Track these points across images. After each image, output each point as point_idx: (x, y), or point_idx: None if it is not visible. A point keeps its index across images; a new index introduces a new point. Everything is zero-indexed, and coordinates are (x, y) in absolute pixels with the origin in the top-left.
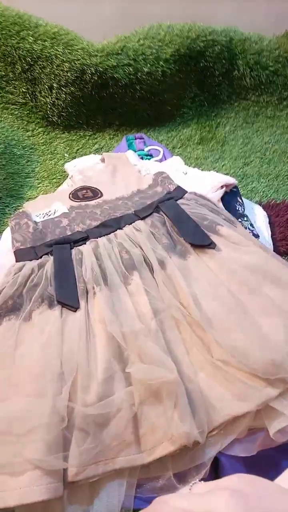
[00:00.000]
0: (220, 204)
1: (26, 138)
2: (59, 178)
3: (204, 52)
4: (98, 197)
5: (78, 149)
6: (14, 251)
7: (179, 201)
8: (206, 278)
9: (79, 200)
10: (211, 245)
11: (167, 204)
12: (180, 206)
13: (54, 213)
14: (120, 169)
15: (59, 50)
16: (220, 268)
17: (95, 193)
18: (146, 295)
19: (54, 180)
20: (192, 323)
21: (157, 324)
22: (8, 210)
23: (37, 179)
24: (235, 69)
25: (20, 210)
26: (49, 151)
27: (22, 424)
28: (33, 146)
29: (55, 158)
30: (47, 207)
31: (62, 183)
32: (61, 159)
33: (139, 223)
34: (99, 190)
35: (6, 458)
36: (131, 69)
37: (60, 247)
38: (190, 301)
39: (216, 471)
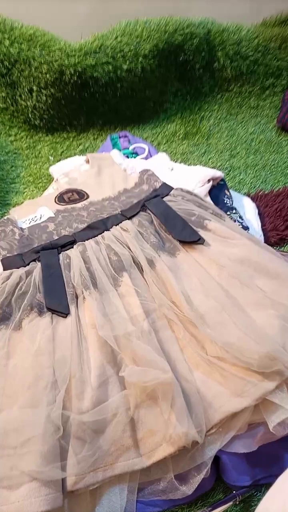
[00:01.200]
0: (208, 199)
1: (9, 143)
2: (45, 182)
3: (183, 45)
4: (84, 199)
5: (62, 152)
6: (1, 260)
7: (165, 198)
8: (196, 274)
9: (65, 203)
10: (199, 240)
11: (154, 202)
12: (167, 203)
13: (40, 218)
14: (105, 169)
15: (36, 52)
16: (210, 263)
17: (81, 195)
18: (136, 296)
19: (40, 184)
20: (185, 320)
21: (149, 324)
22: None
23: (22, 184)
24: (215, 61)
25: (5, 217)
26: (33, 155)
27: (17, 436)
28: (16, 151)
29: (40, 162)
30: (33, 212)
31: (48, 187)
32: (46, 163)
33: (126, 223)
34: (85, 192)
35: (3, 471)
36: (110, 67)
37: (48, 252)
38: (181, 299)
39: (217, 470)
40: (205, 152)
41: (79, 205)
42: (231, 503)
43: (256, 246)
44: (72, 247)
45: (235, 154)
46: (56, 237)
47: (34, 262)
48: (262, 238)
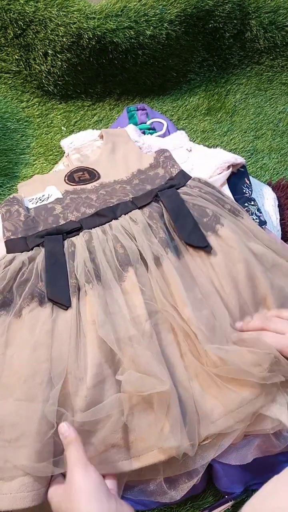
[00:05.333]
0: (226, 188)
1: (21, 109)
2: (56, 155)
3: (214, 11)
4: (95, 180)
5: (76, 122)
6: (5, 241)
7: (181, 189)
8: (199, 281)
9: (74, 184)
10: (207, 247)
11: (168, 194)
12: (182, 195)
13: (48, 198)
14: (119, 147)
15: (53, 12)
16: (214, 274)
17: (92, 175)
18: (141, 295)
19: (51, 156)
20: (186, 326)
21: (151, 326)
22: (2, 191)
23: (32, 156)
24: (247, 30)
25: (11, 196)
26: (45, 124)
27: (11, 429)
28: (28, 118)
29: (52, 131)
30: (41, 190)
31: (58, 160)
32: (58, 133)
33: (136, 213)
34: (97, 172)
35: None
36: (132, 33)
37: (52, 238)
38: (184, 304)
39: (209, 473)
40: (227, 131)
41: (89, 186)
42: (224, 506)
43: (271, 254)
44: (78, 234)
45: (260, 135)
46: (62, 222)
47: (38, 247)
48: (279, 233)
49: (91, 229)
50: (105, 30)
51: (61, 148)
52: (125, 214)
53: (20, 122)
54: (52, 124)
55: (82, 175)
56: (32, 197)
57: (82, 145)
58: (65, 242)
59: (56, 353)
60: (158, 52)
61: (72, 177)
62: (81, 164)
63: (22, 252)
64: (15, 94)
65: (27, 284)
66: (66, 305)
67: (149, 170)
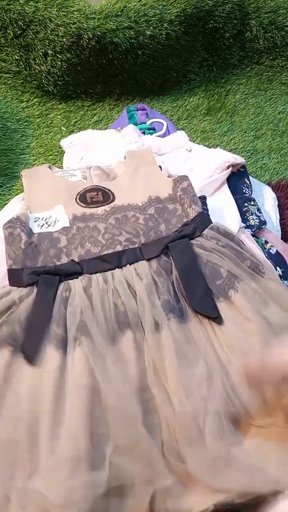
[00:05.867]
0: (226, 187)
1: (21, 109)
2: (56, 155)
3: (213, 11)
4: (108, 203)
5: (76, 122)
6: (8, 270)
7: (196, 240)
8: (204, 354)
9: (85, 205)
10: (217, 319)
11: (180, 249)
12: (195, 248)
13: (55, 222)
14: (142, 168)
15: (53, 12)
16: (222, 344)
17: (106, 197)
18: (135, 363)
19: (51, 156)
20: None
21: (141, 404)
22: (2, 191)
23: (32, 156)
24: (247, 30)
25: (15, 216)
26: (45, 124)
27: None
28: (28, 118)
29: (52, 131)
30: (49, 208)
31: (58, 160)
32: (58, 133)
33: (142, 266)
34: (111, 193)
35: None
36: (132, 33)
37: (48, 279)
38: (176, 391)
39: None
40: (227, 131)
41: (99, 210)
42: None
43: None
44: (77, 278)
45: (260, 135)
46: (64, 258)
47: (31, 287)
48: (279, 233)
49: (92, 274)
50: (105, 30)
51: (61, 148)
52: (130, 264)
53: (20, 122)
54: (52, 124)
55: (95, 196)
56: (38, 216)
57: (106, 166)
58: (61, 284)
59: (29, 414)
60: (158, 52)
61: (84, 197)
62: (99, 182)
63: (18, 287)
64: (15, 94)
65: (3, 328)
66: (30, 362)
67: (167, 201)
